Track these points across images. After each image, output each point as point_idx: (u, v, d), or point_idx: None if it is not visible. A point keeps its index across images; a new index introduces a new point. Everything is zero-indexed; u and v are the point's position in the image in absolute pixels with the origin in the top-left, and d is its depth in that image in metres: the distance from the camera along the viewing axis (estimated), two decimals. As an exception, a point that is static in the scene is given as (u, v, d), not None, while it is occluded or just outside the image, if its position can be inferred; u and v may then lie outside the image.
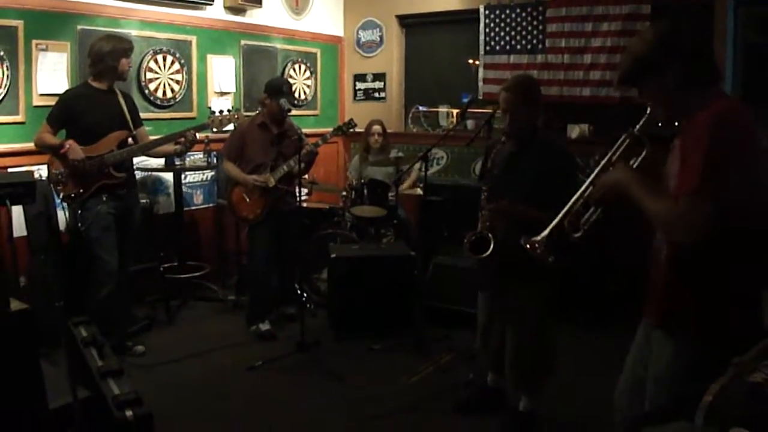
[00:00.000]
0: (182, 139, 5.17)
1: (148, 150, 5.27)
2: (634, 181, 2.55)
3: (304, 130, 5.73)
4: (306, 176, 6.22)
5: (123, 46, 5.04)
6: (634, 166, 2.67)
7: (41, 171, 5.35)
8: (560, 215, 2.83)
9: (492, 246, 3.80)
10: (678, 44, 2.49)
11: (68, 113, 4.92)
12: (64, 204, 5.21)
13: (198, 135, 5.27)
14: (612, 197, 2.65)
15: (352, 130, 6.04)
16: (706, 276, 2.44)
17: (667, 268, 2.56)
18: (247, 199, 5.75)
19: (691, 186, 2.31)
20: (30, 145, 5.19)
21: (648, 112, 2.63)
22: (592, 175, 2.73)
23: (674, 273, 2.53)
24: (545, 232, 2.93)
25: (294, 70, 8.25)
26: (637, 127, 2.67)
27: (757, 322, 2.46)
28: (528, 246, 2.98)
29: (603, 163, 2.72)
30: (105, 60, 4.95)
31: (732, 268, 2.42)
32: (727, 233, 2.33)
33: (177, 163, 6.31)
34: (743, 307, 2.45)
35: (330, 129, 6.14)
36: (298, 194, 5.68)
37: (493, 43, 7.66)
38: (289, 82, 6.12)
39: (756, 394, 1.59)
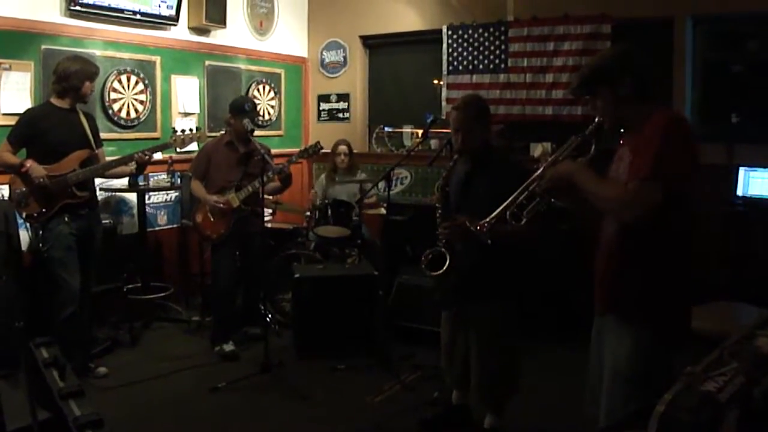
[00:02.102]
0: (137, 157, 5.15)
1: (110, 169, 5.22)
2: (583, 169, 2.87)
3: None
4: (270, 197, 6.21)
5: (90, 69, 5.02)
6: None
7: (2, 190, 5.31)
8: (505, 203, 3.11)
9: (448, 263, 3.82)
10: (632, 63, 2.88)
11: (30, 132, 4.87)
12: (27, 224, 5.16)
13: (161, 154, 5.23)
14: (559, 187, 2.92)
15: (318, 153, 6.02)
16: (655, 261, 2.75)
17: (618, 256, 2.84)
18: (212, 218, 5.74)
19: (644, 172, 2.62)
20: (-10, 165, 5.14)
21: (596, 119, 2.94)
22: (539, 170, 3.00)
23: (626, 260, 2.81)
24: (490, 217, 3.18)
25: (258, 90, 8.27)
26: (587, 131, 2.97)
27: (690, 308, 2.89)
28: (478, 228, 3.26)
29: (551, 159, 3.02)
30: (70, 79, 4.91)
31: (674, 254, 2.77)
32: (669, 222, 2.70)
33: (141, 183, 6.28)
34: (684, 291, 2.84)
35: (296, 150, 6.13)
36: (262, 214, 5.68)
37: (456, 63, 7.73)
38: (252, 101, 6.11)
39: (708, 403, 1.63)
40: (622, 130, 2.96)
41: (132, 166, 5.22)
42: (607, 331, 2.92)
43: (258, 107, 7.75)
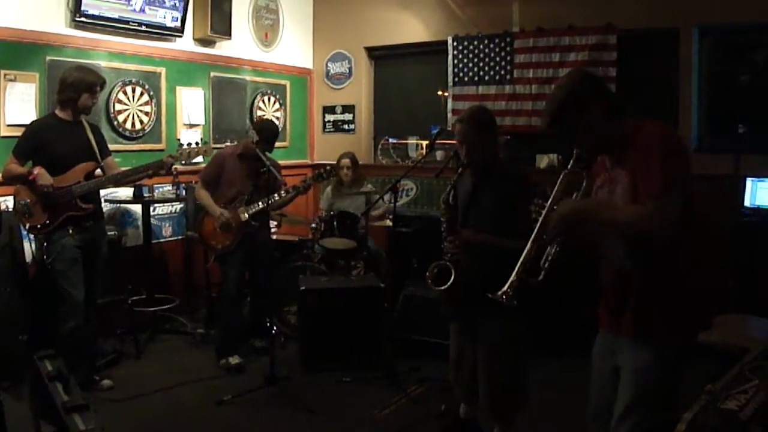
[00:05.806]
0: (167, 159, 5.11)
1: (116, 181, 5.21)
2: (589, 203, 2.81)
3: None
4: (277, 210, 6.20)
5: (88, 81, 4.93)
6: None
7: (7, 202, 5.29)
8: (516, 267, 2.92)
9: (453, 277, 3.79)
10: (593, 82, 2.85)
11: (35, 144, 4.85)
12: (31, 235, 5.14)
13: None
14: (568, 228, 2.76)
15: (331, 176, 6.02)
16: (672, 278, 2.67)
17: (634, 280, 2.71)
18: (218, 230, 5.71)
19: (658, 188, 2.52)
20: (-4, 177, 5.14)
21: (575, 151, 2.88)
22: (540, 219, 2.86)
23: (643, 283, 2.69)
24: (506, 286, 2.96)
25: (263, 102, 8.27)
26: (569, 167, 2.91)
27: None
28: (503, 298, 2.99)
29: (548, 205, 2.86)
30: (66, 91, 4.89)
31: (690, 267, 2.71)
32: (681, 234, 2.58)
33: (146, 195, 6.26)
34: (704, 302, 2.81)
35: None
36: (269, 226, 5.66)
37: (461, 74, 7.73)
38: (275, 127, 6.08)
39: (730, 421, 1.59)
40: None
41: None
42: (624, 351, 2.78)
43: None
